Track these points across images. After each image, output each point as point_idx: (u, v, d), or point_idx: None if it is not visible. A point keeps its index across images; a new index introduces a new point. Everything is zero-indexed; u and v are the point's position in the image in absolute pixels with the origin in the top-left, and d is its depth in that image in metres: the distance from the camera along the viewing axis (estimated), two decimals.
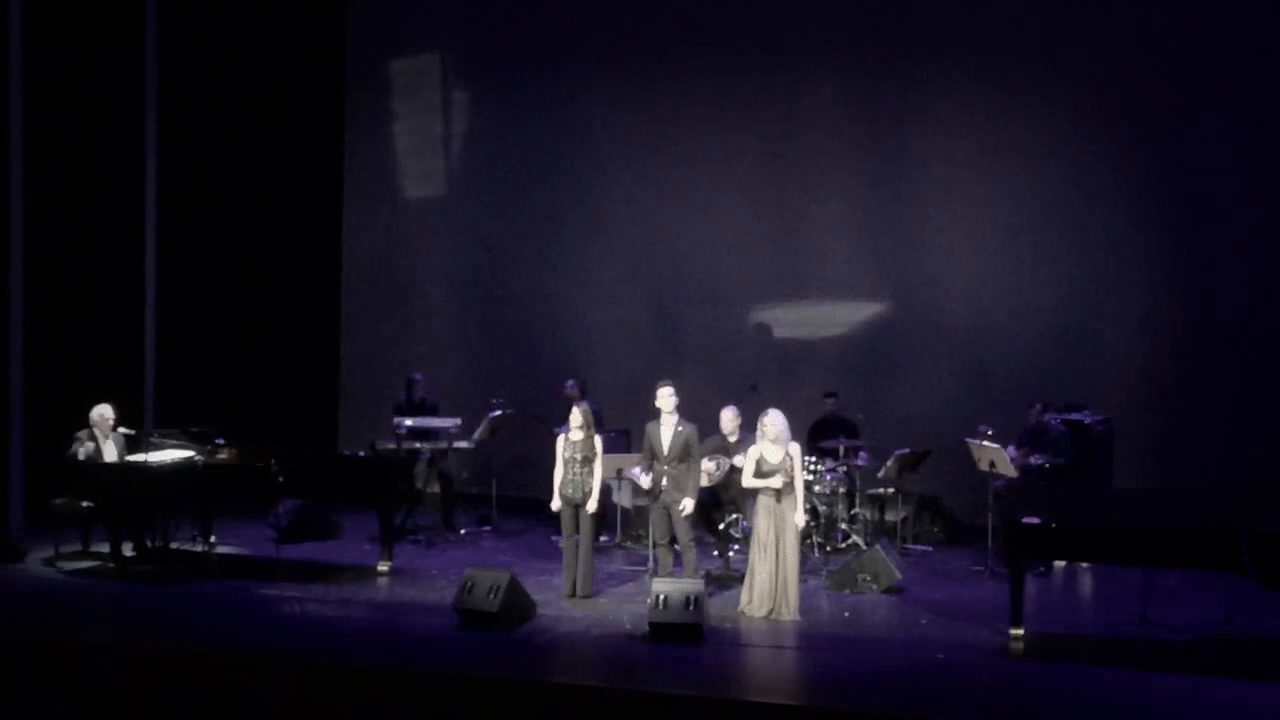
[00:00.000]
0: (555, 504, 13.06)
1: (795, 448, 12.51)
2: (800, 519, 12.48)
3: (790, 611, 12.32)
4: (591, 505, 12.90)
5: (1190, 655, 11.43)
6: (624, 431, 15.84)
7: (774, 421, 12.46)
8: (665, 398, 12.92)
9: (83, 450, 14.00)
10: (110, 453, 14.14)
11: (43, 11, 15.72)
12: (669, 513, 12.89)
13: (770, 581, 12.39)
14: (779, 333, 17.81)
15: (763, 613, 12.34)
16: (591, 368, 17.48)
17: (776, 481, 12.37)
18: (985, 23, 16.95)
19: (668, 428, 12.87)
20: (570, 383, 15.77)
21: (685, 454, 12.85)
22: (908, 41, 17.17)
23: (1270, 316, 16.25)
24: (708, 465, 13.31)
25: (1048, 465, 14.36)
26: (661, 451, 12.84)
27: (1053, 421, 14.67)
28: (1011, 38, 16.89)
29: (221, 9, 17.72)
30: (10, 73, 15.45)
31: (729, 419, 13.76)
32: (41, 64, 15.74)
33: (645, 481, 13.18)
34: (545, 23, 18.43)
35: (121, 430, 14.25)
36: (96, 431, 14.13)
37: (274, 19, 18.18)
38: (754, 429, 12.70)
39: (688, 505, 12.81)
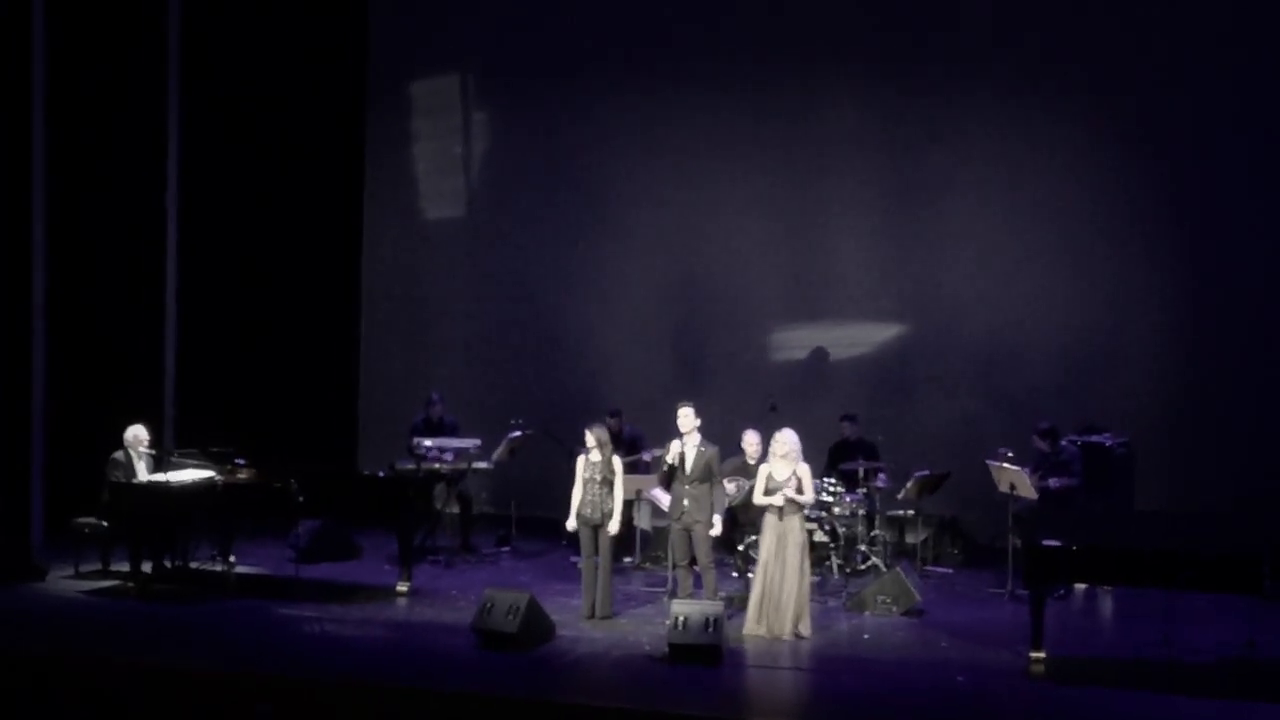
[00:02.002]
0: (571, 524, 13.06)
1: (805, 468, 12.50)
2: (802, 537, 12.47)
3: (787, 630, 12.28)
4: (613, 527, 12.88)
5: (1213, 678, 11.37)
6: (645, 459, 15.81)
7: (785, 439, 12.48)
8: (685, 419, 12.90)
9: (123, 472, 14.05)
10: (143, 472, 14.22)
11: (64, 30, 15.78)
12: (689, 534, 12.88)
13: (760, 600, 12.37)
14: (800, 353, 17.79)
15: (765, 633, 12.31)
16: (612, 388, 17.48)
17: (778, 499, 12.37)
18: (1009, 46, 16.96)
19: (689, 449, 12.85)
20: (615, 419, 15.66)
21: (706, 475, 12.83)
22: (931, 63, 17.18)
23: None
24: (728, 486, 13.28)
25: (1063, 489, 14.30)
26: (683, 472, 12.83)
27: (1064, 443, 14.61)
28: (1035, 61, 16.89)
29: (242, 31, 17.80)
30: (34, 93, 15.51)
31: (751, 442, 13.73)
32: (64, 83, 15.80)
33: (665, 501, 13.17)
34: (565, 44, 18.47)
35: (143, 449, 14.31)
36: (131, 451, 14.19)
37: (295, 42, 18.25)
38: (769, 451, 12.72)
39: (716, 524, 12.79)
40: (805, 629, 12.38)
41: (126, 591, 13.75)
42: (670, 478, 12.96)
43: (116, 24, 16.46)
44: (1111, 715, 10.50)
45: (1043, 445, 14.53)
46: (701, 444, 12.87)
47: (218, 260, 17.64)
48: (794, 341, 17.87)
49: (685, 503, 12.83)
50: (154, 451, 14.38)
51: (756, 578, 12.53)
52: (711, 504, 12.82)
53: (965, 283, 17.27)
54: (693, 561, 12.96)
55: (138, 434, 14.27)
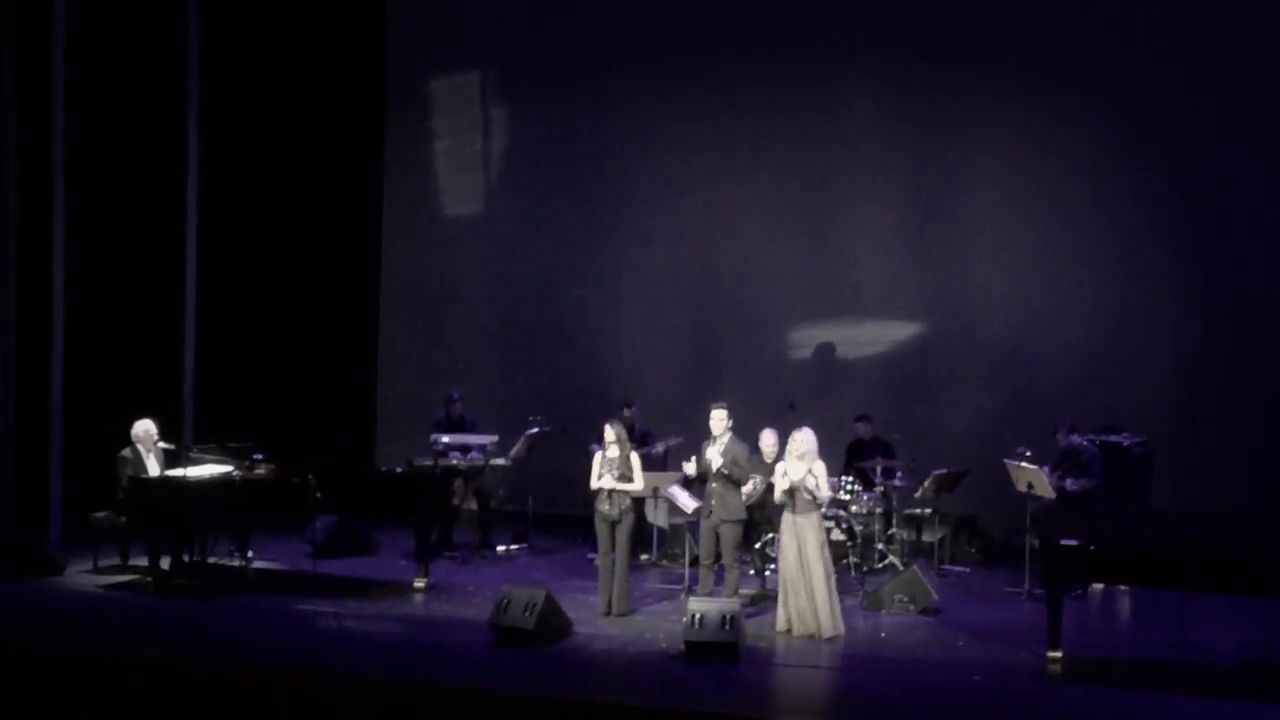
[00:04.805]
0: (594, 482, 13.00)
1: (820, 467, 12.50)
2: (820, 535, 12.47)
3: (823, 629, 12.29)
4: (627, 486, 12.86)
5: (1229, 680, 11.34)
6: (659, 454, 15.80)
7: (802, 438, 12.48)
8: (717, 421, 12.93)
9: (132, 469, 14.08)
10: (153, 467, 14.23)
11: (85, 29, 15.84)
12: (717, 533, 12.90)
13: (795, 600, 12.39)
14: (817, 352, 17.77)
15: (799, 632, 12.33)
16: (630, 386, 17.45)
17: (784, 483, 12.38)
18: (1026, 45, 16.91)
19: (718, 449, 12.87)
20: (630, 410, 15.69)
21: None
22: (948, 62, 17.13)
23: None
24: (746, 487, 13.25)
25: (1081, 490, 14.27)
26: (710, 471, 12.86)
27: (1078, 442, 14.56)
28: (1052, 62, 16.84)
29: (262, 29, 17.82)
30: (54, 88, 15.57)
31: (769, 441, 13.70)
32: (85, 78, 15.86)
33: (689, 504, 13.19)
34: (583, 41, 18.46)
35: (161, 445, 14.34)
36: (140, 447, 14.22)
37: (313, 40, 18.27)
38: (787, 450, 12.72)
39: (753, 485, 12.91)
40: (840, 627, 12.39)
41: (144, 586, 13.79)
42: (701, 479, 13.00)
43: (134, 24, 16.48)
44: (1127, 715, 10.49)
45: (1060, 437, 14.49)
46: (731, 442, 12.91)
47: (236, 258, 17.66)
48: (811, 340, 17.84)
49: (713, 502, 12.87)
50: (165, 446, 14.38)
51: (782, 578, 12.54)
52: (738, 495, 12.89)
53: (983, 282, 17.24)
54: (717, 559, 12.98)
55: (147, 429, 14.29)
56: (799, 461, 12.44)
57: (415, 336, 19.25)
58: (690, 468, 13.19)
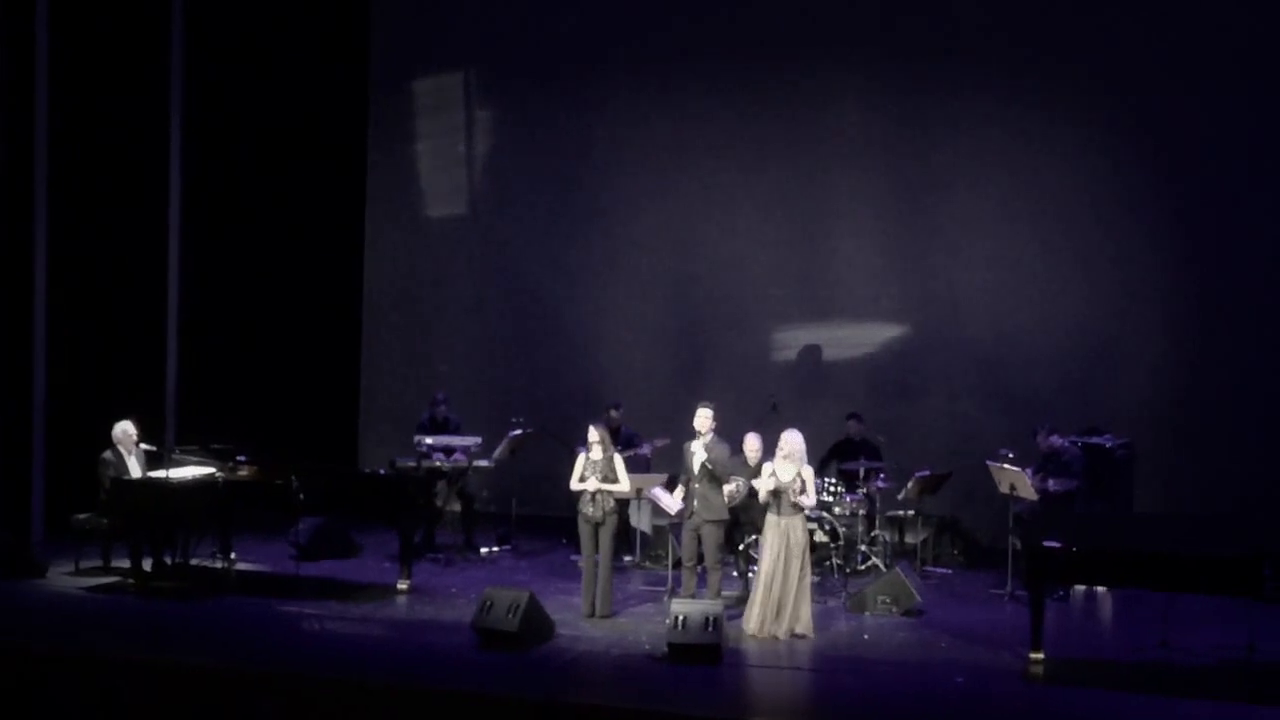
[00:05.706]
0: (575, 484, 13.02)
1: (809, 471, 12.50)
2: (804, 539, 12.47)
3: (784, 630, 12.28)
4: (612, 487, 12.87)
5: (1212, 681, 11.35)
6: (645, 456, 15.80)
7: (790, 440, 12.47)
8: (702, 419, 12.91)
9: (113, 470, 14.04)
10: (134, 469, 14.20)
11: (68, 30, 15.80)
12: (699, 534, 12.89)
13: (762, 601, 12.38)
14: (802, 353, 17.78)
15: (756, 631, 12.32)
16: (613, 387, 17.47)
17: (770, 483, 12.38)
18: (1014, 44, 16.93)
19: (700, 448, 12.86)
20: (616, 411, 15.71)
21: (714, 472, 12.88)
22: (935, 62, 17.14)
23: None
24: (728, 487, 13.25)
25: (1063, 490, 14.28)
26: (692, 471, 12.85)
27: (1059, 443, 14.56)
28: (1040, 60, 16.86)
29: (245, 30, 17.81)
30: (36, 91, 15.54)
31: (753, 446, 13.67)
32: (68, 78, 15.83)
33: (673, 506, 13.19)
34: (568, 42, 18.47)
35: (143, 446, 14.31)
36: (120, 449, 14.18)
37: (297, 41, 18.26)
38: (775, 450, 12.70)
39: (735, 486, 12.87)
40: (806, 629, 12.39)
41: (127, 588, 13.76)
42: (687, 484, 13.02)
43: (119, 21, 16.46)
44: (1110, 717, 10.50)
45: (1040, 439, 14.50)
46: (714, 443, 12.89)
47: (219, 257, 17.64)
48: (797, 341, 17.85)
49: (695, 503, 12.86)
50: (147, 447, 14.35)
51: (759, 579, 12.53)
52: (721, 496, 12.86)
53: (968, 284, 17.26)
54: (699, 561, 12.98)
55: (126, 430, 14.25)
56: (786, 463, 12.44)
57: (399, 337, 19.25)
58: (679, 494, 13.25)
